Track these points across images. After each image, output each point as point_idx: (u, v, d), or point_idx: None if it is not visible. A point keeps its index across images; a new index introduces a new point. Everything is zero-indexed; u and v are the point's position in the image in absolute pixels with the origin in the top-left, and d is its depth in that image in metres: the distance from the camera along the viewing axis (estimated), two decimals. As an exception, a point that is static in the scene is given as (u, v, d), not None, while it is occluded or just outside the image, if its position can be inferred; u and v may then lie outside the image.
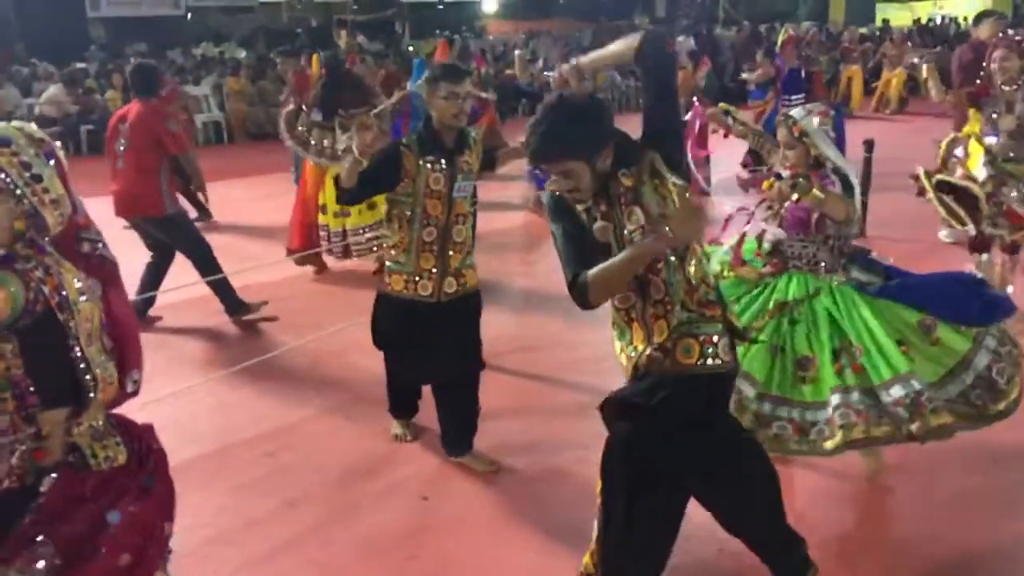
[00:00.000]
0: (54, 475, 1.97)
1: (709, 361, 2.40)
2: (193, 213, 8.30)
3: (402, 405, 4.00)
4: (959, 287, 3.34)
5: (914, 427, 3.05)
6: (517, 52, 9.40)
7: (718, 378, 2.46)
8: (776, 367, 3.26)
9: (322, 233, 6.51)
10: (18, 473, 1.95)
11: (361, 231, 6.42)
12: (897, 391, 3.09)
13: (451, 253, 3.54)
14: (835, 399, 3.13)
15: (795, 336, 3.28)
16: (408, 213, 3.47)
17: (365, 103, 6.37)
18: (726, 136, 4.07)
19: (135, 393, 2.10)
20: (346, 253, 6.54)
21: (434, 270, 3.52)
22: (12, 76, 14.19)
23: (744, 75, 9.98)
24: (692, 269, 2.41)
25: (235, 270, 5.84)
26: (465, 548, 3.21)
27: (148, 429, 2.21)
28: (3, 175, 1.89)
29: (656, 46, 2.42)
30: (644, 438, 2.46)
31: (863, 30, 19.65)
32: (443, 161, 3.45)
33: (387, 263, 3.63)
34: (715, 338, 2.41)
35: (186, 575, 2.93)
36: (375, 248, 6.32)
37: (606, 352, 4.54)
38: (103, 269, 2.05)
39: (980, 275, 3.46)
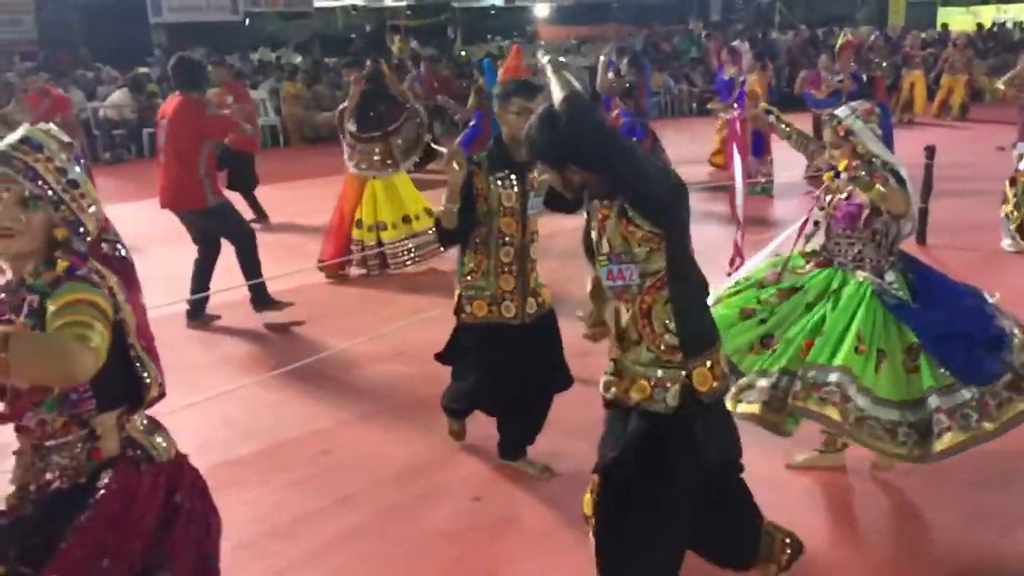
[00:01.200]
0: (110, 470, 1.94)
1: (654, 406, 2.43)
2: (249, 215, 8.48)
3: (464, 411, 3.90)
4: (961, 340, 3.21)
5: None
6: (601, 58, 9.18)
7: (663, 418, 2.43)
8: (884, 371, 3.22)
9: (355, 247, 6.61)
10: (70, 473, 1.92)
11: (398, 244, 6.55)
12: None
13: (529, 272, 3.47)
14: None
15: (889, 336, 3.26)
16: (484, 232, 3.39)
17: (400, 117, 6.49)
18: (773, 130, 4.04)
19: (162, 395, 2.07)
20: (383, 265, 6.64)
21: (515, 291, 3.44)
22: (77, 80, 14.59)
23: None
24: (653, 314, 2.41)
25: (281, 274, 5.95)
26: (513, 551, 3.23)
27: None
28: (40, 182, 1.83)
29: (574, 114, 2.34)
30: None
31: (923, 35, 19.24)
32: (513, 177, 3.37)
33: (462, 292, 3.49)
34: (667, 384, 2.42)
35: (243, 567, 3.03)
36: (410, 262, 6.55)
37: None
38: (124, 270, 2.00)
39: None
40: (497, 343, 3.48)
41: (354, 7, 25.81)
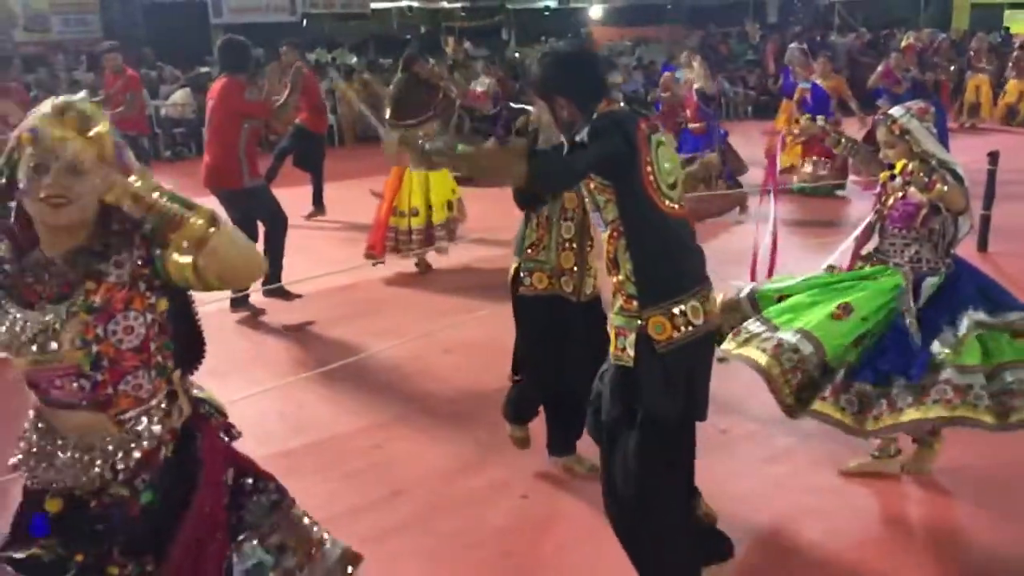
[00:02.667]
0: (198, 434, 1.93)
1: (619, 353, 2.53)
2: (309, 208, 8.63)
3: (527, 413, 3.77)
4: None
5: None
6: (697, 61, 9.02)
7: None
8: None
9: (390, 234, 6.71)
10: (167, 439, 1.86)
11: (440, 227, 6.64)
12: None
13: (589, 250, 3.40)
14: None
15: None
16: (546, 208, 3.36)
17: (434, 104, 6.54)
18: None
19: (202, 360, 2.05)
20: (428, 240, 6.70)
21: (575, 268, 3.39)
22: (141, 77, 14.98)
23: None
24: (618, 262, 2.52)
25: (336, 271, 6.04)
26: (560, 548, 3.25)
27: None
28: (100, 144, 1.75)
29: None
30: None
31: (989, 38, 18.74)
32: None
33: (522, 264, 3.44)
34: (627, 332, 2.51)
35: (295, 556, 3.09)
36: (443, 248, 6.69)
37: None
38: None
39: None
40: (556, 316, 3.41)
41: (409, 8, 26.05)
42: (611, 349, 2.58)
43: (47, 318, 1.76)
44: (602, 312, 3.54)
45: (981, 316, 3.18)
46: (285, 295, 5.92)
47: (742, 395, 4.42)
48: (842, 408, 3.18)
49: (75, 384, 1.79)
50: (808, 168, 9.01)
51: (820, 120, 4.00)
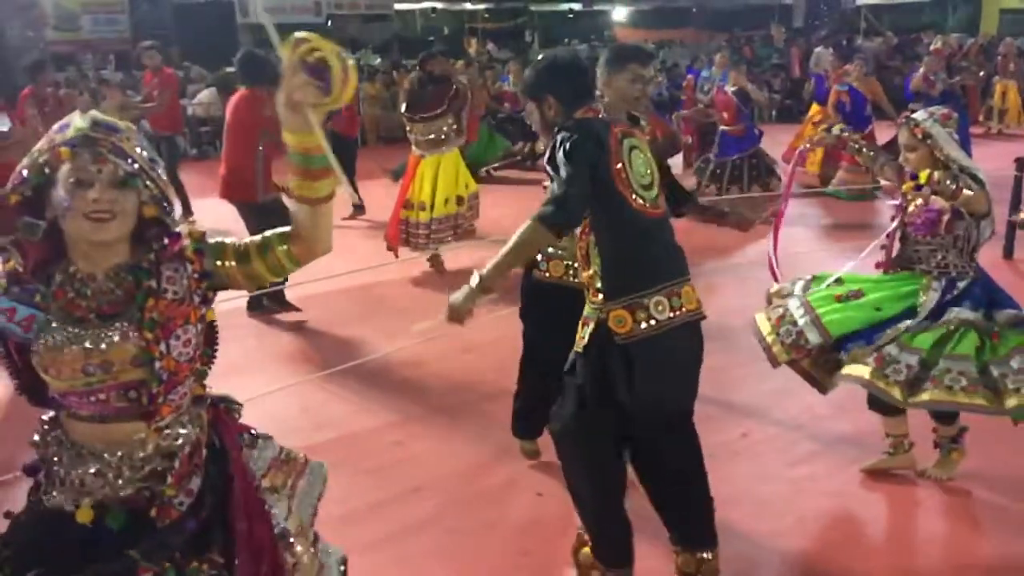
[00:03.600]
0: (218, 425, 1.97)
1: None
2: (349, 208, 8.68)
3: (535, 425, 3.65)
4: None
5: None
6: (736, 72, 9.02)
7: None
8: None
9: (402, 227, 6.75)
10: (203, 439, 1.89)
11: (440, 222, 6.67)
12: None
13: None
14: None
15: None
16: None
17: (447, 98, 6.57)
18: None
19: None
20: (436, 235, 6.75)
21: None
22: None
23: None
24: (590, 256, 2.65)
25: (353, 270, 6.07)
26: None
27: None
28: (130, 160, 1.73)
29: None
30: None
31: (1017, 43, 18.52)
32: None
33: (542, 249, 3.39)
34: (588, 322, 2.67)
35: (317, 550, 3.12)
36: (450, 238, 6.73)
37: (731, 362, 4.51)
38: None
39: None
40: (567, 305, 3.32)
41: (433, 10, 26.16)
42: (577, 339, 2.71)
43: (109, 335, 1.74)
44: None
45: (967, 314, 3.22)
46: (287, 307, 5.92)
47: (763, 400, 4.41)
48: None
49: (125, 397, 1.78)
50: (844, 173, 8.96)
51: (836, 128, 3.97)
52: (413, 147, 6.80)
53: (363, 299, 6.26)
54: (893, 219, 3.49)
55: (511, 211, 6.66)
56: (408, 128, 6.79)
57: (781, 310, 3.45)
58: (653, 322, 2.58)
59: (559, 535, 3.30)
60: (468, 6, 25.36)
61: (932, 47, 10.22)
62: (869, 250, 3.62)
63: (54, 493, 1.81)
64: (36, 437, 1.87)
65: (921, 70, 9.81)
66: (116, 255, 1.78)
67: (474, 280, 2.60)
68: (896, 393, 3.12)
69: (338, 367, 4.95)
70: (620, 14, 27.19)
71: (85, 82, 13.93)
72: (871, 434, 3.77)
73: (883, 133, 9.10)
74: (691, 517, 2.84)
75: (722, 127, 8.75)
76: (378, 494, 3.61)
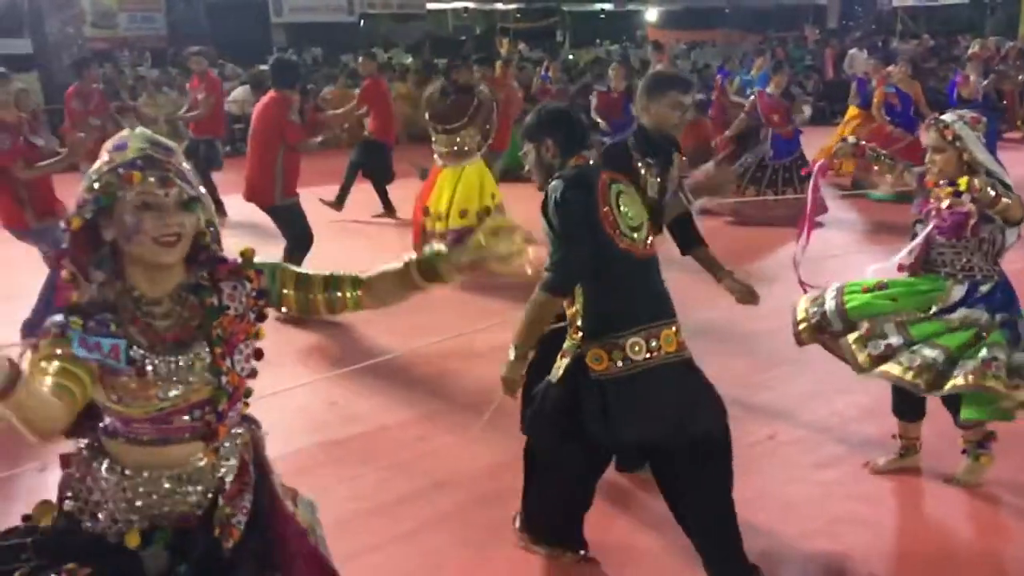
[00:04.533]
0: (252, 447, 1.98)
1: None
2: (378, 208, 8.73)
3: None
4: None
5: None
6: (781, 74, 8.98)
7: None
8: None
9: (422, 233, 6.78)
10: (247, 459, 1.92)
11: (455, 232, 6.60)
12: None
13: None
14: None
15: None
16: None
17: (469, 109, 6.61)
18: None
19: None
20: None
21: None
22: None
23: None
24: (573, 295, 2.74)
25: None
26: (598, 543, 3.23)
27: None
28: (190, 184, 1.74)
29: None
30: None
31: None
32: (655, 167, 3.29)
33: None
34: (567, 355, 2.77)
35: (343, 543, 3.12)
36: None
37: (757, 365, 4.47)
38: None
39: None
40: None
41: (465, 10, 26.25)
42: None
43: (186, 356, 1.75)
44: None
45: (977, 314, 3.27)
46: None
47: (791, 403, 4.39)
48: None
49: (191, 418, 1.79)
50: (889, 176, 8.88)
51: (851, 138, 3.92)
52: (435, 157, 6.82)
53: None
54: (918, 223, 3.46)
55: (533, 214, 6.57)
56: (432, 138, 6.81)
57: (818, 292, 3.55)
58: (629, 362, 2.66)
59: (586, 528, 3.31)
60: (500, 6, 25.41)
61: (970, 51, 10.07)
62: (902, 254, 3.56)
63: (99, 519, 1.78)
64: (72, 469, 1.83)
65: (970, 76, 9.68)
66: (176, 276, 1.79)
67: (511, 353, 2.82)
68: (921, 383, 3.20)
69: (363, 363, 4.99)
70: (652, 14, 27.09)
71: (122, 79, 14.16)
72: (885, 435, 3.76)
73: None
74: (713, 554, 2.82)
75: (772, 130, 8.72)
76: (403, 488, 3.64)
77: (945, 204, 3.28)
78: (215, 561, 1.78)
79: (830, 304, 3.45)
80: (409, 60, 18.68)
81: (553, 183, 2.75)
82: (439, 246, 1.92)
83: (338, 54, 19.52)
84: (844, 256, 6.58)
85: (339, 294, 1.91)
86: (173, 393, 1.74)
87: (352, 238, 7.98)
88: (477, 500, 3.56)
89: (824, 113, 14.69)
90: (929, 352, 3.22)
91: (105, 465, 1.79)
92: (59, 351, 1.64)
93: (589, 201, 2.68)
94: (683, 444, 2.72)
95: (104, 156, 1.74)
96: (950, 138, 3.30)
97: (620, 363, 2.66)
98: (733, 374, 4.71)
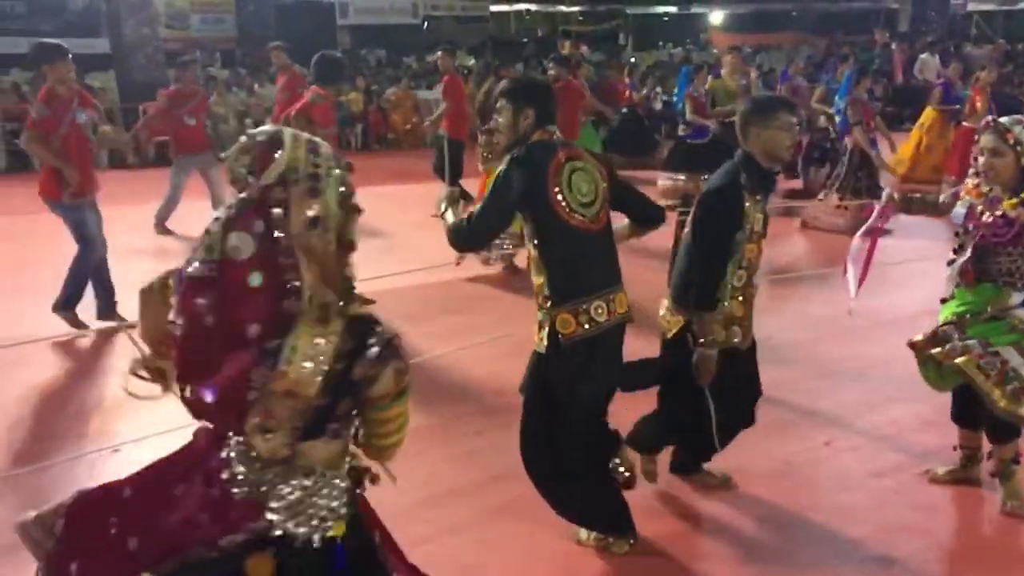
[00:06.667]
0: None
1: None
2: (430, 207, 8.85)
3: (659, 445, 3.57)
4: None
5: None
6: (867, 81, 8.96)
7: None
8: None
9: None
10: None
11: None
12: None
13: (752, 297, 3.31)
14: None
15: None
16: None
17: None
18: (907, 208, 3.77)
19: None
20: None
21: (745, 317, 3.27)
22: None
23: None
24: (533, 267, 3.01)
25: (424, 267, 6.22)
26: (650, 544, 3.27)
27: None
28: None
29: None
30: None
31: None
32: (762, 201, 3.21)
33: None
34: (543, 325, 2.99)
35: (397, 534, 3.21)
36: (509, 245, 6.68)
37: (808, 373, 4.42)
38: None
39: None
40: (728, 369, 3.23)
41: (528, 12, 26.37)
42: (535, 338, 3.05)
43: None
44: (755, 360, 3.46)
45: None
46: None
47: (847, 411, 4.35)
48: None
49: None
50: (948, 185, 8.73)
51: (887, 192, 3.76)
52: (479, 163, 6.81)
53: (435, 296, 6.42)
54: (961, 234, 3.39)
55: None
56: (478, 139, 6.84)
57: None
58: (594, 324, 2.92)
59: (639, 525, 3.34)
60: (562, 8, 25.47)
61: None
62: (953, 271, 3.48)
63: (281, 517, 1.72)
64: (240, 468, 1.74)
65: None
66: None
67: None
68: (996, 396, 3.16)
69: (423, 357, 5.08)
70: (717, 17, 26.81)
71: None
72: (946, 445, 3.70)
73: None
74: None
75: (871, 135, 8.67)
76: (458, 481, 3.71)
77: (998, 214, 3.23)
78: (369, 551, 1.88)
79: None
80: (472, 62, 18.84)
81: (508, 157, 2.98)
82: None
83: (401, 56, 19.80)
84: (904, 264, 6.46)
85: None
86: None
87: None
88: (532, 495, 3.58)
89: (893, 118, 14.37)
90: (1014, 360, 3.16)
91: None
92: None
93: (535, 182, 2.89)
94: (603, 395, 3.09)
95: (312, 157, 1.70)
96: (1011, 142, 3.23)
97: (587, 325, 2.92)
98: (789, 380, 4.68)
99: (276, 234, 1.66)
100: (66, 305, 5.56)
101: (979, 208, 3.34)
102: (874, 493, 3.63)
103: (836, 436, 4.11)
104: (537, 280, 2.99)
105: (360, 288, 1.81)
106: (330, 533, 1.76)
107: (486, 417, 4.36)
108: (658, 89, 14.41)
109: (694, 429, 3.39)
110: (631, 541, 3.18)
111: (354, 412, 1.77)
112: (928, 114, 10.19)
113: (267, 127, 1.78)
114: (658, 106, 13.79)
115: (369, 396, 1.73)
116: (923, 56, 16.29)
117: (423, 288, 6.47)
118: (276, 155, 1.68)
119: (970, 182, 3.42)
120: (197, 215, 8.13)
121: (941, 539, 3.36)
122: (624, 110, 12.38)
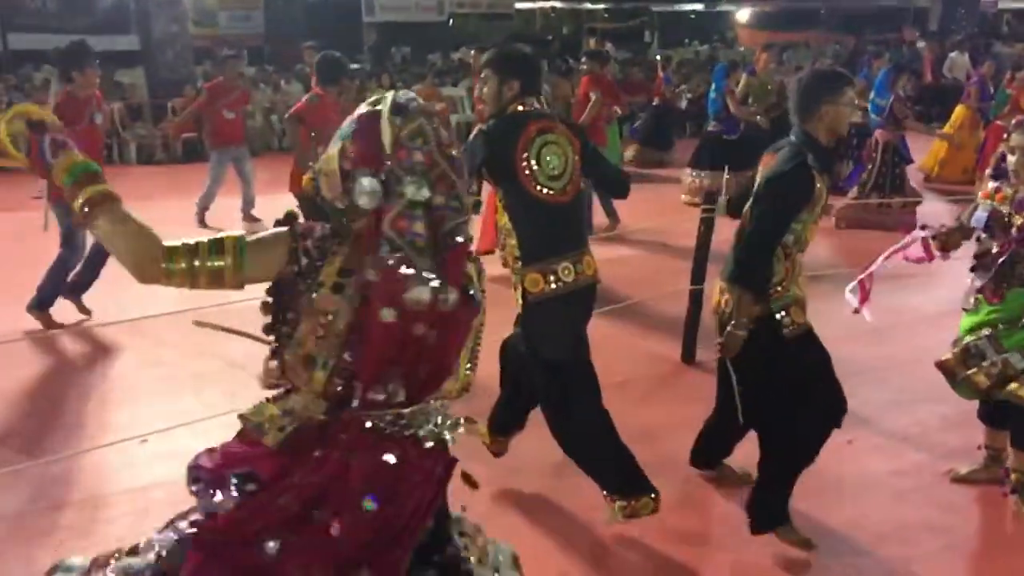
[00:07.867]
0: None
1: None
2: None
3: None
4: None
5: None
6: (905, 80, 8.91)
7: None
8: None
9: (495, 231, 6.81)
10: None
11: None
12: None
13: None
14: None
15: None
16: (791, 239, 3.03)
17: None
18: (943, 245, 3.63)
19: None
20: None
21: (804, 297, 3.15)
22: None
23: None
24: (503, 230, 3.17)
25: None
26: (663, 537, 3.29)
27: None
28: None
29: None
30: None
31: None
32: (828, 179, 3.11)
33: (775, 305, 3.05)
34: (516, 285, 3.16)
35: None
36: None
37: (840, 371, 4.40)
38: None
39: None
40: (817, 348, 3.16)
41: (553, 9, 26.33)
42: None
43: None
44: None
45: None
46: None
47: (871, 411, 4.32)
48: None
49: None
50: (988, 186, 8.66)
51: (918, 232, 3.65)
52: None
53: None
54: (984, 239, 3.37)
55: (642, 209, 6.72)
56: None
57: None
58: (561, 283, 3.07)
59: (651, 520, 3.36)
60: (588, 5, 25.41)
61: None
62: (974, 285, 3.44)
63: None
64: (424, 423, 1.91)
65: None
66: None
67: None
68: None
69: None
70: (744, 15, 26.63)
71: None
72: (969, 443, 3.71)
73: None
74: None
75: (902, 133, 8.62)
76: (478, 472, 3.70)
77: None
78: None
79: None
80: (496, 59, 18.84)
81: (479, 127, 3.12)
82: None
83: (426, 53, 19.85)
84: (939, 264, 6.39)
85: None
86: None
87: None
88: (552, 488, 3.63)
89: (920, 117, 14.21)
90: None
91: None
92: None
93: (502, 155, 3.01)
94: (575, 363, 3.19)
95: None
96: None
97: (553, 284, 3.06)
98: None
99: None
100: (40, 305, 5.54)
101: (1004, 211, 3.30)
102: (896, 491, 3.62)
103: (859, 435, 4.09)
104: (509, 242, 3.14)
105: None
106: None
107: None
108: (683, 86, 14.34)
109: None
110: (652, 495, 3.21)
111: None
112: (959, 112, 10.10)
113: None
114: (683, 104, 13.71)
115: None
116: (953, 55, 16.10)
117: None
118: None
119: (990, 185, 3.39)
120: (224, 211, 8.30)
121: (962, 538, 3.35)
122: (655, 102, 12.38)
